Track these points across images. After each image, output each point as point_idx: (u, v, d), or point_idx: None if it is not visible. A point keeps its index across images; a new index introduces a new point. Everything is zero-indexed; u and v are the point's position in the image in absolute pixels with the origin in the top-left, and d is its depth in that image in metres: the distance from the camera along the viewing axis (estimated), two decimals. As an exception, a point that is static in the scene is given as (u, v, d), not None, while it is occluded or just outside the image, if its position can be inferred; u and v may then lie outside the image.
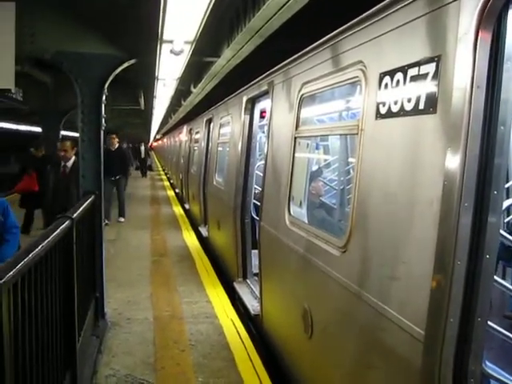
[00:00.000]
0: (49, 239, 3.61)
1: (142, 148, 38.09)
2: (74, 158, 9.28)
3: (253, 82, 7.83)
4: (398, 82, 3.27)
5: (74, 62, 6.63)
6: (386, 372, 3.32)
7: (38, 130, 19.99)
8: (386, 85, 3.41)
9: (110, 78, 6.85)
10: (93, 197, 6.34)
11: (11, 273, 2.67)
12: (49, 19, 6.54)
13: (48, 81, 13.88)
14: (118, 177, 14.69)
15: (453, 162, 2.67)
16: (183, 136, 21.48)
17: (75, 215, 4.78)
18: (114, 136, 14.94)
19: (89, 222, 6.11)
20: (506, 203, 4.33)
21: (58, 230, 4.00)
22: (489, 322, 2.82)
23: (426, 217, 2.89)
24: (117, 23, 6.63)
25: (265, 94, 7.07)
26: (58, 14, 6.58)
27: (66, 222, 4.37)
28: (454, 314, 2.66)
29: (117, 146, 15.13)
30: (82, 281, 5.18)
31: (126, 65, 6.95)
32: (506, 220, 6.70)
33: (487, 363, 2.84)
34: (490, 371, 2.81)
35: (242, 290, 7.71)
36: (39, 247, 3.32)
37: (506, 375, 3.32)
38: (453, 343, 2.67)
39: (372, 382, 3.55)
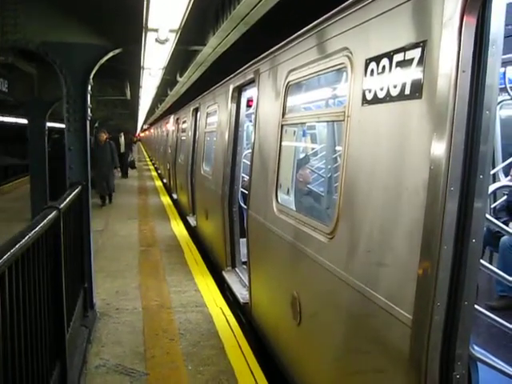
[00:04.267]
0: (35, 230, 3.58)
1: (122, 140, 29.33)
2: None
3: (239, 71, 7.80)
4: (383, 67, 3.26)
5: (59, 52, 6.58)
6: (374, 357, 3.33)
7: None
8: (372, 71, 3.41)
9: (96, 68, 6.81)
10: (80, 187, 6.30)
11: (-3, 264, 2.65)
12: (33, 9, 6.49)
13: (33, 71, 13.75)
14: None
15: (439, 146, 2.67)
16: (170, 126, 21.39)
17: (62, 205, 4.75)
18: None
19: (76, 212, 6.08)
20: (491, 188, 4.35)
21: (45, 221, 3.96)
22: (476, 306, 2.84)
23: (413, 202, 2.89)
24: (101, 12, 6.58)
25: (251, 82, 7.04)
26: (42, 4, 6.52)
27: (53, 213, 4.34)
28: (441, 299, 2.67)
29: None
30: (70, 271, 5.16)
31: (111, 54, 6.91)
32: (493, 206, 6.76)
33: (475, 347, 2.86)
34: (477, 354, 2.84)
35: (231, 279, 7.71)
36: (26, 238, 3.29)
37: (494, 358, 3.35)
38: (440, 327, 2.69)
39: (361, 368, 3.57)
